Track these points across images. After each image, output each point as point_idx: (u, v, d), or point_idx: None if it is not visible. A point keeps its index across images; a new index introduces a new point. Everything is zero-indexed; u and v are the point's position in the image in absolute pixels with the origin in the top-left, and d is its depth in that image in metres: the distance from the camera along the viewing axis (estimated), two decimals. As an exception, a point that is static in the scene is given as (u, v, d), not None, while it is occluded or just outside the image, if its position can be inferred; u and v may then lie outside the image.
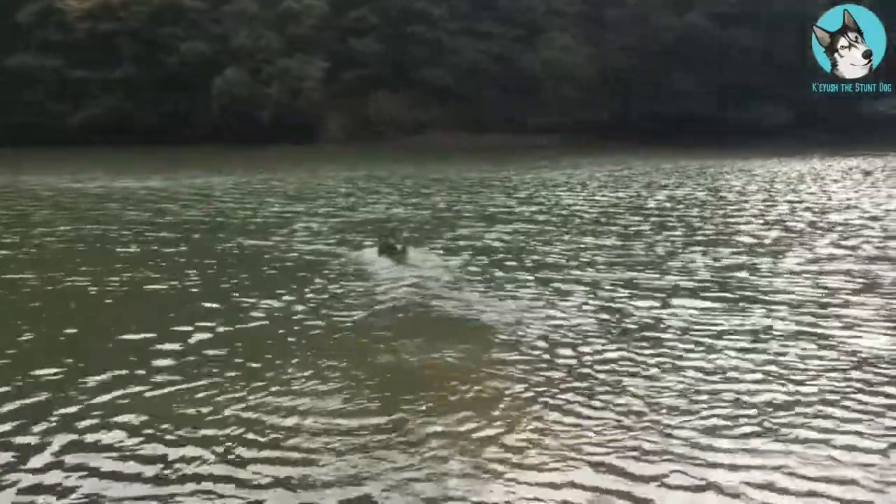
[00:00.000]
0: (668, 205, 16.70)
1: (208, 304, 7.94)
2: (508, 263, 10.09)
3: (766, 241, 11.69)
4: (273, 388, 5.46)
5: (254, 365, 6.00)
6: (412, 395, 5.33)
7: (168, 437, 4.67)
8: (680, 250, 10.93)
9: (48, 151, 39.70)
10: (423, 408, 5.11)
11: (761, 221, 13.98)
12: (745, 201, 17.26)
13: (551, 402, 5.20)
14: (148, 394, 5.39)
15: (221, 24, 50.07)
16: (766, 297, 8.06)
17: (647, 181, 22.70)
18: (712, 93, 52.66)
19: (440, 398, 5.29)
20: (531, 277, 9.14)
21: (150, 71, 49.64)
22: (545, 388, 5.44)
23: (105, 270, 9.54)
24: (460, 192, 19.74)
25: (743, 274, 9.28)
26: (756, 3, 50.56)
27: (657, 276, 9.22)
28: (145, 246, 11.53)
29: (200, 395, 5.34)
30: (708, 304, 7.78)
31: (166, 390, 5.43)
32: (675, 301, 7.93)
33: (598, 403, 5.16)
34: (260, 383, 5.56)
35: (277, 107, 49.12)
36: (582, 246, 11.42)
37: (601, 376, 5.70)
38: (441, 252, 10.97)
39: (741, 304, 7.76)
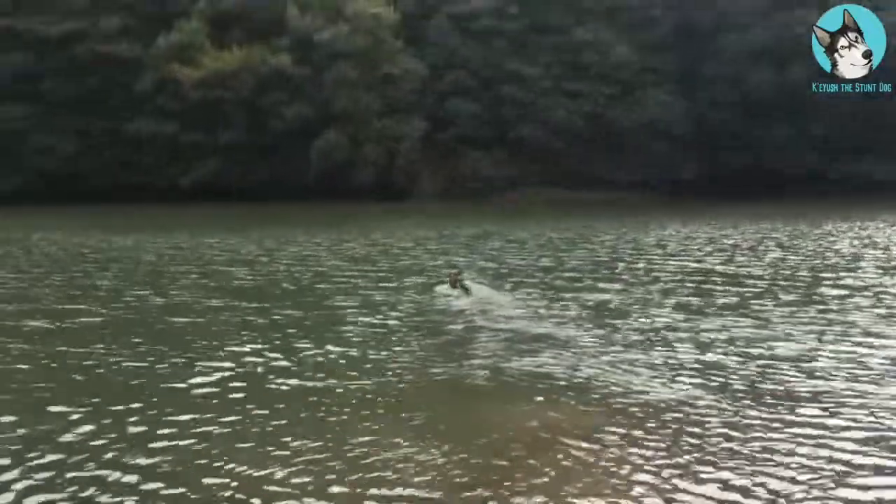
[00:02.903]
0: (764, 272, 15.14)
1: (266, 368, 7.82)
2: (595, 325, 9.70)
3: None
4: (363, 447, 5.50)
5: (339, 421, 6.08)
6: (518, 458, 5.28)
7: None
8: (787, 329, 9.49)
9: (158, 210, 41.99)
10: (529, 474, 5.02)
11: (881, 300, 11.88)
12: (857, 271, 15.39)
13: (660, 476, 4.99)
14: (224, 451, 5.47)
15: (322, 88, 51.67)
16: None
17: (744, 244, 21.09)
18: (814, 148, 49.98)
19: (546, 464, 5.18)
20: (624, 342, 8.77)
21: (255, 135, 51.69)
22: (652, 460, 5.25)
23: (153, 342, 9.31)
24: (542, 251, 19.06)
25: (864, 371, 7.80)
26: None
27: (762, 352, 8.31)
28: (205, 314, 11.38)
29: (279, 452, 5.45)
30: (825, 397, 6.74)
31: (261, 449, 5.51)
32: (789, 379, 7.21)
33: (715, 476, 4.98)
34: (348, 442, 5.59)
35: (375, 167, 50.07)
36: (682, 314, 10.50)
37: (712, 447, 5.49)
38: (525, 309, 10.86)
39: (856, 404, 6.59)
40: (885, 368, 7.57)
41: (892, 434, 5.72)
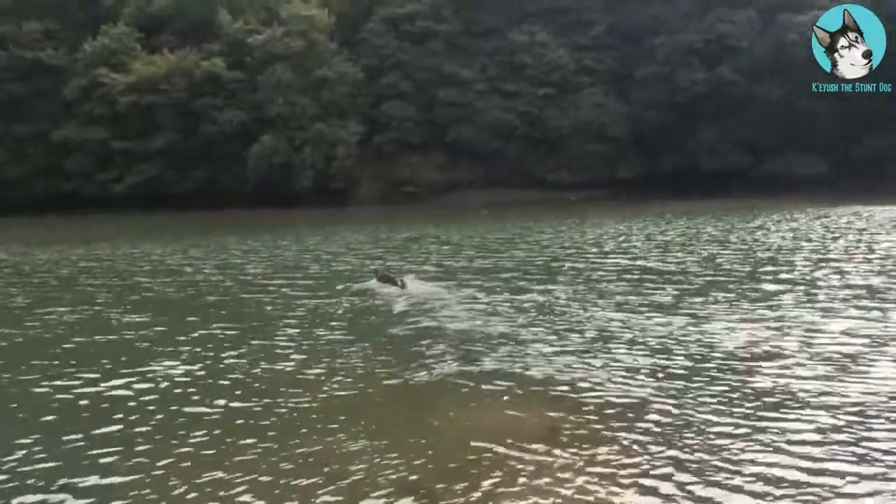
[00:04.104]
0: (700, 268, 15.12)
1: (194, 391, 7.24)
2: (535, 326, 9.63)
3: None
4: (307, 456, 5.36)
5: (277, 435, 5.84)
6: (470, 461, 5.14)
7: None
8: (728, 324, 9.46)
9: (86, 219, 40.72)
10: (481, 476, 4.92)
11: (805, 280, 12.38)
12: (789, 264, 15.59)
13: (613, 477, 4.92)
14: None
15: (257, 92, 50.61)
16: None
17: (678, 240, 21.17)
18: (743, 146, 51.20)
19: (497, 466, 5.04)
20: (567, 342, 8.70)
21: (189, 140, 50.48)
22: (605, 461, 5.15)
23: (64, 362, 8.85)
24: (478, 252, 18.86)
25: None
26: (782, 58, 48.65)
27: (705, 349, 8.24)
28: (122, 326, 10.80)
29: (213, 471, 5.19)
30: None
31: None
32: (736, 377, 7.14)
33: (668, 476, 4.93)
34: (289, 452, 5.42)
35: (312, 171, 49.30)
36: (621, 313, 10.42)
37: (663, 446, 5.43)
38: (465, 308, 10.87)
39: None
40: (826, 362, 7.54)
41: (835, 426, 5.72)
